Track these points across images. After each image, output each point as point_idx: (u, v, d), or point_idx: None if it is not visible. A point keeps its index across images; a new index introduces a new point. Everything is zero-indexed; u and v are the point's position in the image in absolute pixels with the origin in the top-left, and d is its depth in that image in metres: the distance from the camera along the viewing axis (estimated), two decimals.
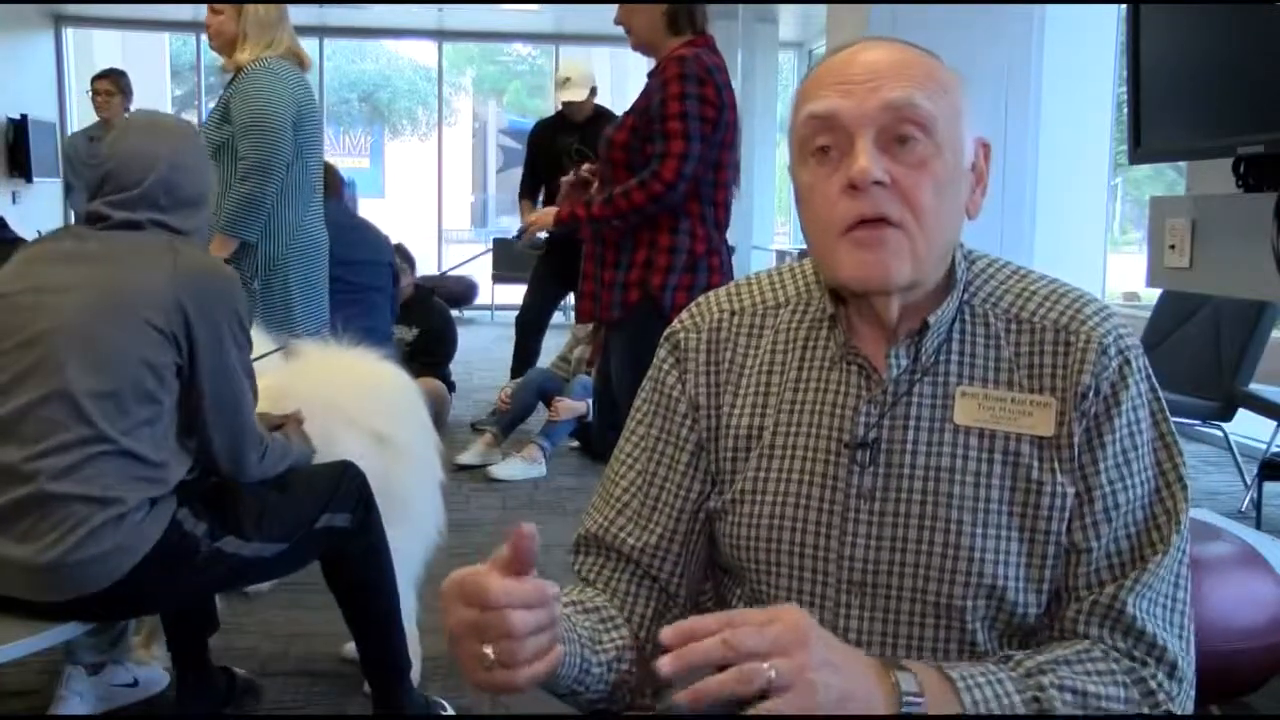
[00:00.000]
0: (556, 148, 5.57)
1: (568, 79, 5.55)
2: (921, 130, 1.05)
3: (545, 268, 5.48)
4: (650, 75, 2.94)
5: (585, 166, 3.25)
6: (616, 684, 1.16)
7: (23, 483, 1.85)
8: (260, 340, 2.71)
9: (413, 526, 2.53)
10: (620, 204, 2.81)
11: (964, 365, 1.11)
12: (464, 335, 6.01)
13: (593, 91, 5.54)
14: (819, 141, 1.07)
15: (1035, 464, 1.07)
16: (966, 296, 1.13)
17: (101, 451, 1.87)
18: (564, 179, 3.21)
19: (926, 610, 1.08)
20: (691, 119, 2.77)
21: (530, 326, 5.70)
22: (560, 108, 5.63)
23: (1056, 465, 1.07)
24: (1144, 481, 1.09)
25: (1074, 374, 1.08)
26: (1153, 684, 1.05)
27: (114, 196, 2.01)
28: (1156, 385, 1.11)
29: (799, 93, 1.11)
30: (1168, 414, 1.12)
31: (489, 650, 0.93)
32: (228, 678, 2.45)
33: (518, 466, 4.71)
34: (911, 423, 1.10)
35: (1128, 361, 1.09)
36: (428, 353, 5.57)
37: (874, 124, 1.04)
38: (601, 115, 5.55)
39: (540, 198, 5.71)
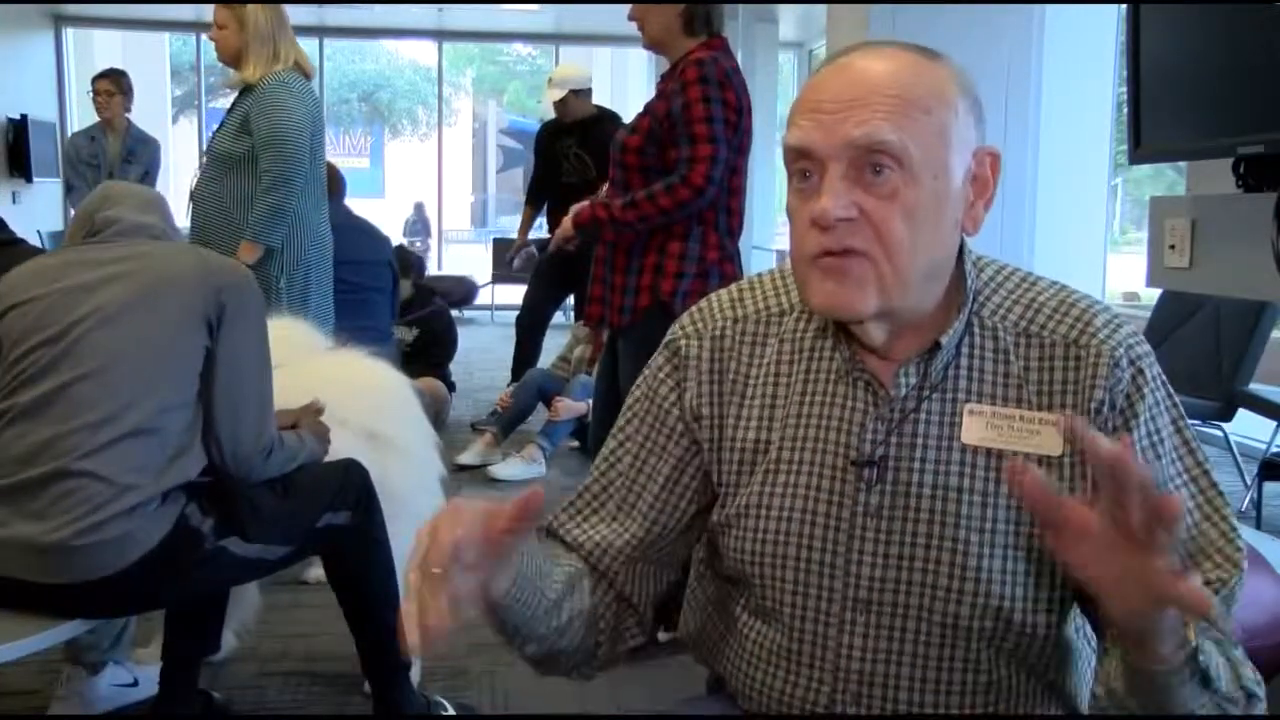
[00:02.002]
0: (556, 150, 5.58)
1: (549, 79, 5.60)
2: (893, 160, 1.02)
3: (546, 268, 5.48)
4: (664, 78, 2.91)
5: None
6: (563, 649, 1.18)
7: (51, 459, 1.88)
8: (314, 336, 2.73)
9: (412, 524, 2.51)
10: (646, 207, 2.78)
11: (972, 382, 1.09)
12: (464, 335, 6.01)
13: (579, 93, 5.51)
14: (797, 167, 1.07)
15: None
16: (975, 308, 1.11)
17: (131, 432, 1.90)
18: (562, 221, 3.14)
19: (932, 629, 1.07)
20: (717, 123, 2.74)
21: (531, 327, 5.70)
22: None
23: (1064, 484, 1.06)
24: (1174, 491, 1.07)
25: (1085, 389, 1.06)
26: (1254, 687, 1.02)
27: (121, 206, 2.12)
28: (1172, 391, 1.10)
29: (789, 115, 1.10)
30: (1186, 421, 1.11)
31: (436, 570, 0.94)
32: (205, 700, 2.44)
33: (518, 467, 4.71)
34: (919, 440, 1.08)
35: (1140, 371, 1.07)
36: (428, 353, 5.57)
37: (842, 157, 1.03)
38: (603, 116, 5.55)
39: (545, 206, 5.73)
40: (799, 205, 1.07)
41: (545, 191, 5.67)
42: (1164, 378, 1.10)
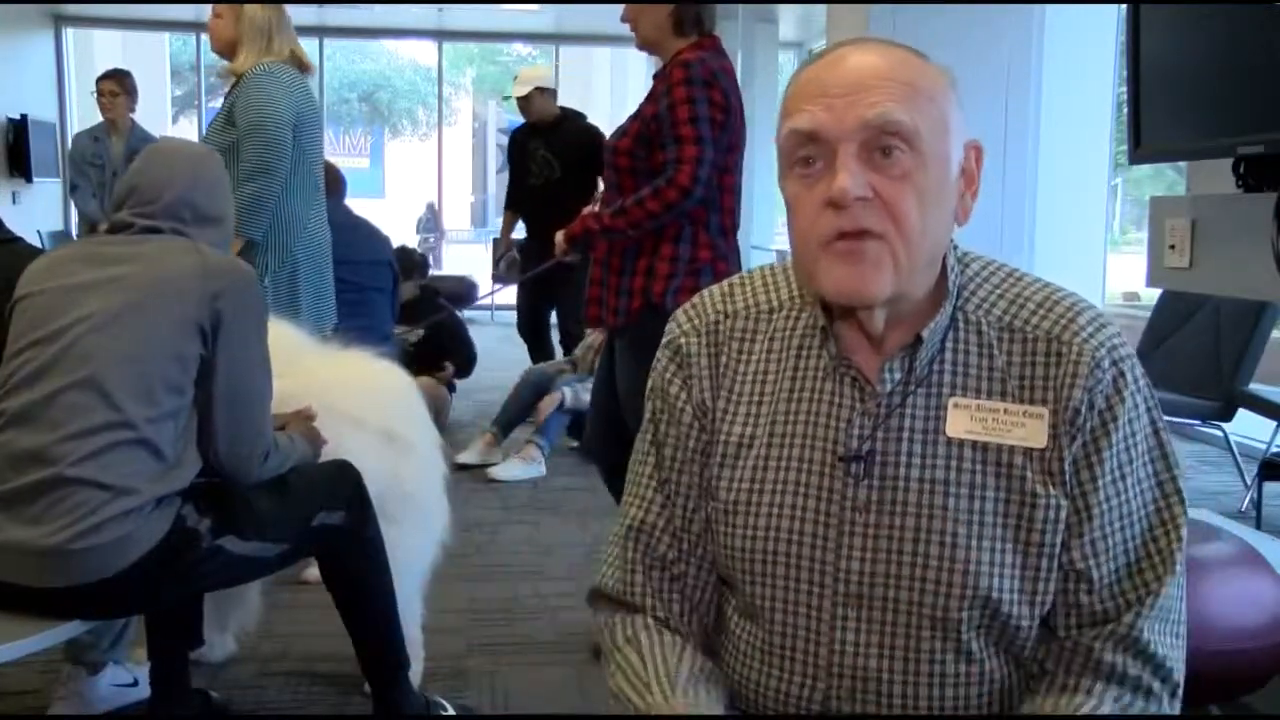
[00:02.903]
0: (526, 154, 5.64)
1: (515, 78, 5.69)
2: (904, 142, 1.03)
3: (526, 272, 5.52)
4: (655, 78, 2.92)
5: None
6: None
7: (45, 466, 1.87)
8: (299, 338, 2.73)
9: (421, 523, 2.52)
10: (635, 213, 2.77)
11: (957, 375, 1.10)
12: None
13: (544, 92, 5.60)
14: (802, 153, 1.07)
15: (1028, 475, 1.07)
16: (960, 303, 1.12)
17: (126, 439, 1.89)
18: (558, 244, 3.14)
19: (923, 622, 1.08)
20: (702, 123, 2.73)
21: (533, 331, 5.81)
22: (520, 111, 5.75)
23: (1049, 478, 1.07)
24: (1139, 494, 1.09)
25: (1065, 387, 1.07)
26: (1165, 709, 1.08)
27: (138, 209, 2.09)
28: (1153, 394, 1.11)
29: (783, 104, 1.10)
30: (1164, 423, 1.11)
31: None
32: (203, 699, 2.44)
33: (517, 468, 4.71)
34: (905, 435, 1.09)
35: (1122, 374, 1.08)
36: (432, 355, 5.58)
37: (855, 138, 1.03)
38: (567, 116, 5.67)
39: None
40: (804, 191, 1.07)
41: (520, 195, 5.75)
42: (1146, 379, 1.10)
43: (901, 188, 1.04)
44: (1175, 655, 1.09)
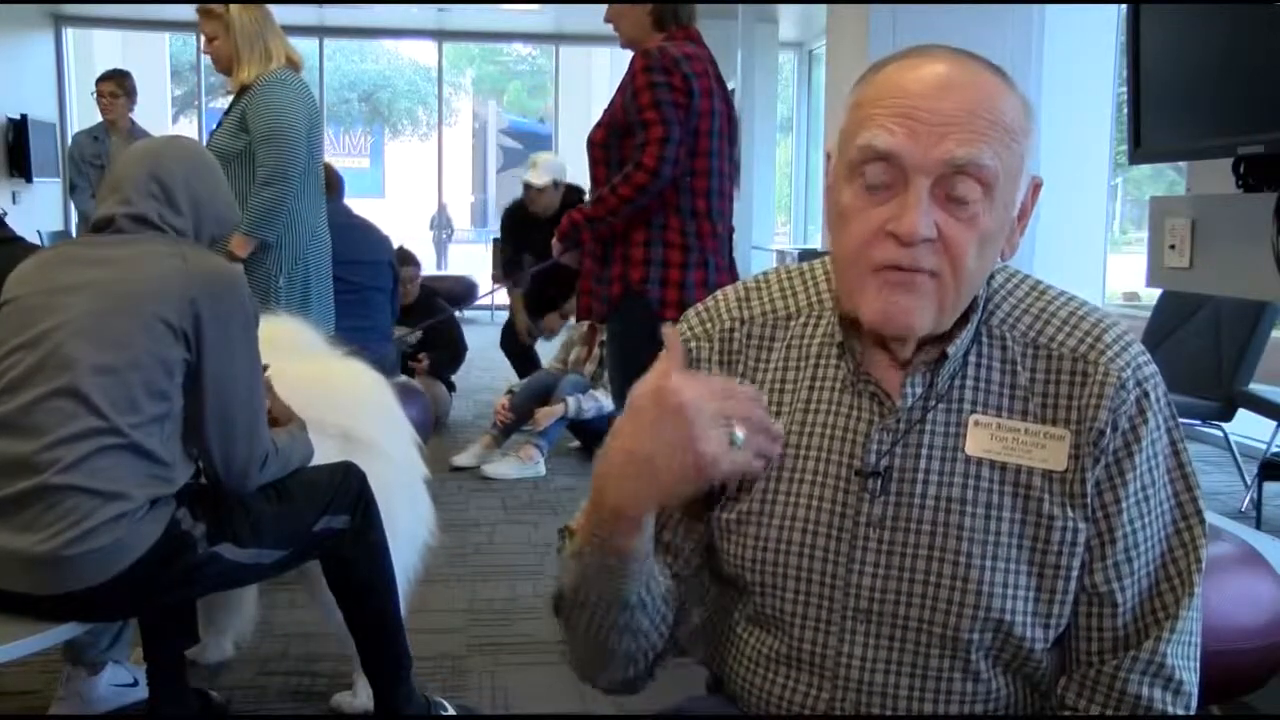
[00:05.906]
0: (525, 238, 5.46)
1: (534, 163, 5.53)
2: (981, 187, 1.00)
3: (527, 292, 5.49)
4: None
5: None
6: (648, 631, 1.15)
7: (32, 474, 1.85)
8: (310, 337, 2.70)
9: (391, 526, 2.40)
10: (610, 200, 2.85)
11: (979, 392, 1.08)
12: (464, 335, 6.02)
13: (556, 185, 5.45)
14: (871, 168, 1.02)
15: (1047, 497, 1.05)
16: (984, 315, 1.10)
17: (112, 445, 1.87)
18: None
19: (932, 641, 1.07)
20: (665, 106, 2.82)
21: (511, 349, 5.80)
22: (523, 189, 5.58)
23: (1068, 500, 1.05)
24: (1161, 515, 1.08)
25: (1089, 408, 1.05)
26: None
27: (121, 209, 2.08)
28: (1175, 413, 1.09)
29: (857, 103, 1.05)
30: (1185, 443, 1.10)
31: (739, 431, 1.01)
32: (202, 700, 2.43)
33: (513, 465, 4.70)
34: (924, 451, 1.07)
35: (1146, 394, 1.06)
36: (430, 355, 5.58)
37: (933, 174, 0.99)
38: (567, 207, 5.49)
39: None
40: (861, 208, 1.03)
41: (520, 271, 5.62)
42: (1168, 397, 1.09)
43: (968, 232, 1.00)
44: (1193, 678, 1.08)
